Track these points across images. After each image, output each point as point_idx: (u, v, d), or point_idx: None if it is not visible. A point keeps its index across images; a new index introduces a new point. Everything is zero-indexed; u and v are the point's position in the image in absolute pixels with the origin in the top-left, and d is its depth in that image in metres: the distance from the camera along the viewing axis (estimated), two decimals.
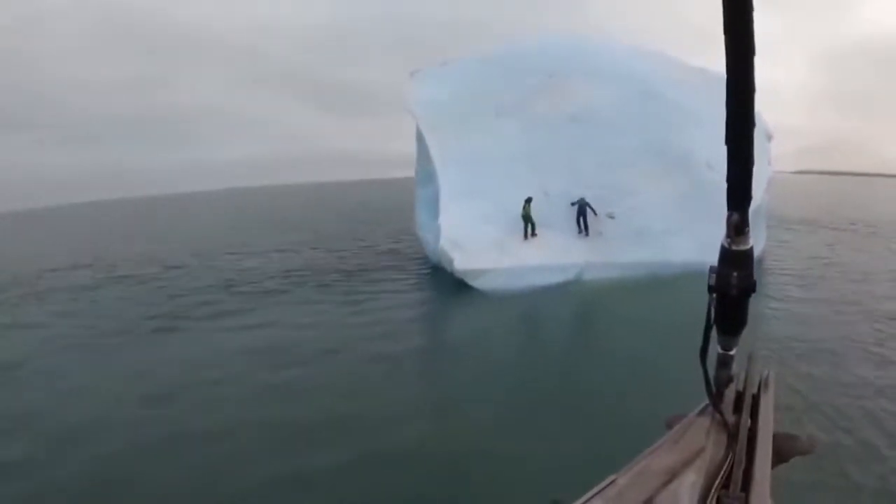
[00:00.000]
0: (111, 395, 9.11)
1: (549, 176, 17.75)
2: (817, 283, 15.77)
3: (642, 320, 12.48)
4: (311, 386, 9.27)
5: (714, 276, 1.23)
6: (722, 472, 1.24)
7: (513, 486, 5.87)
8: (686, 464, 1.22)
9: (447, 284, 16.16)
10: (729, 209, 1.13)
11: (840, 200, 53.13)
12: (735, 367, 1.52)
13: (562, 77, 19.82)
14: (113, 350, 11.77)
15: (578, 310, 14.75)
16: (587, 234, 17.17)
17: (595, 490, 1.13)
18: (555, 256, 16.29)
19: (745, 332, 1.36)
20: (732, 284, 1.21)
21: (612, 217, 17.23)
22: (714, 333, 1.35)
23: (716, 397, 1.46)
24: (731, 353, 1.45)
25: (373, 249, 24.11)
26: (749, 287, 1.21)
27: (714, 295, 1.25)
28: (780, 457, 1.38)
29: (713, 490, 1.18)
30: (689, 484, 1.15)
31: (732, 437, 1.37)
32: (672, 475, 1.18)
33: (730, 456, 1.30)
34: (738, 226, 1.14)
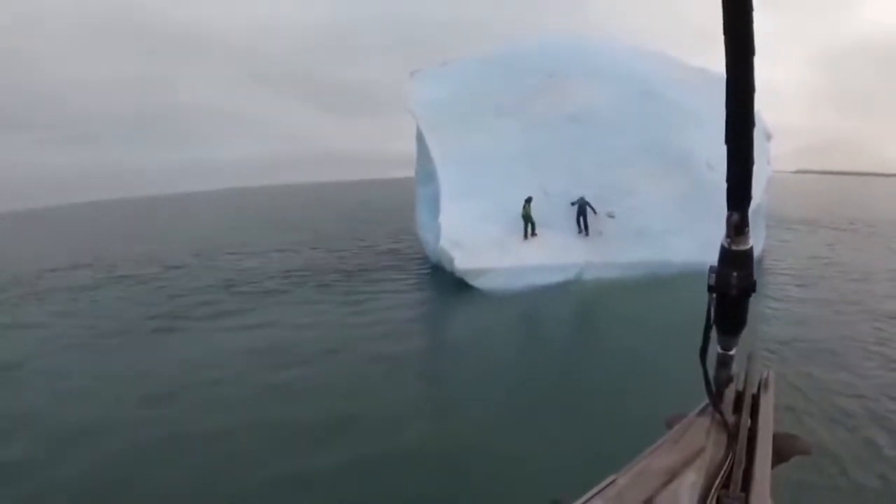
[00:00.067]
0: (111, 396, 9.11)
1: (549, 176, 17.76)
2: (817, 283, 15.77)
3: (642, 320, 12.50)
4: (311, 386, 9.27)
5: (714, 275, 1.22)
6: (722, 472, 1.24)
7: (513, 485, 5.87)
8: (686, 464, 1.22)
9: (447, 284, 16.17)
10: (729, 209, 1.13)
11: (839, 200, 53.14)
12: (735, 367, 1.52)
13: (562, 77, 19.83)
14: (113, 350, 11.78)
15: (578, 309, 14.76)
16: (587, 234, 17.18)
17: (595, 490, 1.13)
18: (555, 256, 16.30)
19: (745, 332, 1.36)
20: (732, 284, 1.20)
21: (611, 216, 17.25)
22: (714, 333, 1.35)
23: (716, 397, 1.46)
24: (731, 352, 1.45)
25: (373, 249, 24.12)
26: (749, 287, 1.21)
27: (714, 295, 1.25)
28: (780, 457, 1.38)
29: (713, 490, 1.18)
30: (690, 484, 1.15)
31: (732, 436, 1.37)
32: (672, 475, 1.18)
33: (730, 456, 1.30)
34: (737, 226, 1.13)
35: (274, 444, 7.17)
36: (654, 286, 15.02)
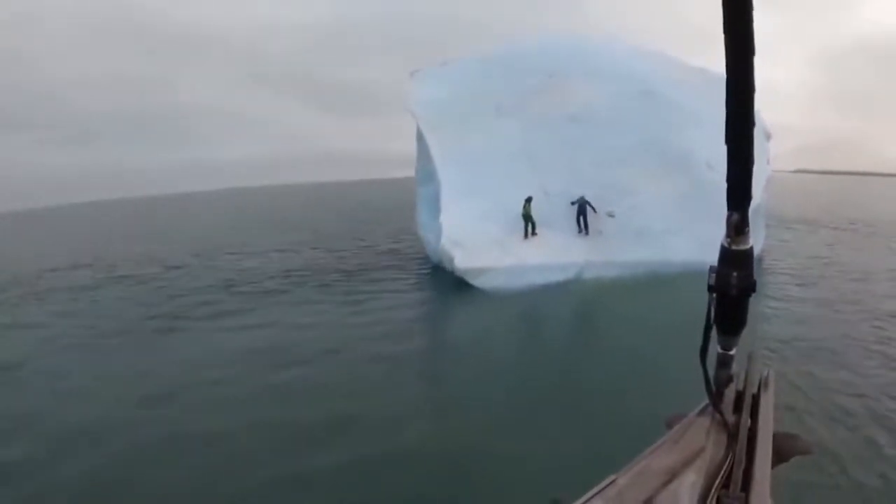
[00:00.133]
0: (111, 396, 9.11)
1: (549, 175, 17.78)
2: (817, 283, 15.78)
3: (642, 319, 12.50)
4: (311, 386, 9.27)
5: (714, 275, 1.22)
6: (722, 472, 1.24)
7: (513, 485, 5.87)
8: (686, 464, 1.22)
9: (448, 283, 16.18)
10: (729, 209, 1.13)
11: (839, 199, 53.16)
12: (735, 367, 1.52)
13: (562, 77, 19.84)
14: (113, 350, 11.78)
15: (578, 308, 14.77)
16: (587, 234, 17.20)
17: (595, 490, 1.13)
18: (555, 255, 16.33)
19: (745, 332, 1.36)
20: (732, 284, 1.20)
21: (611, 216, 17.26)
22: (714, 333, 1.34)
23: (716, 397, 1.46)
24: (731, 352, 1.45)
25: (373, 249, 24.12)
26: (749, 287, 1.21)
27: (714, 295, 1.25)
28: (780, 456, 1.38)
29: (713, 490, 1.18)
30: (690, 484, 1.15)
31: (732, 436, 1.37)
32: (672, 475, 1.18)
33: (730, 456, 1.30)
34: (738, 225, 1.13)
35: (274, 444, 7.17)
36: (654, 285, 15.03)
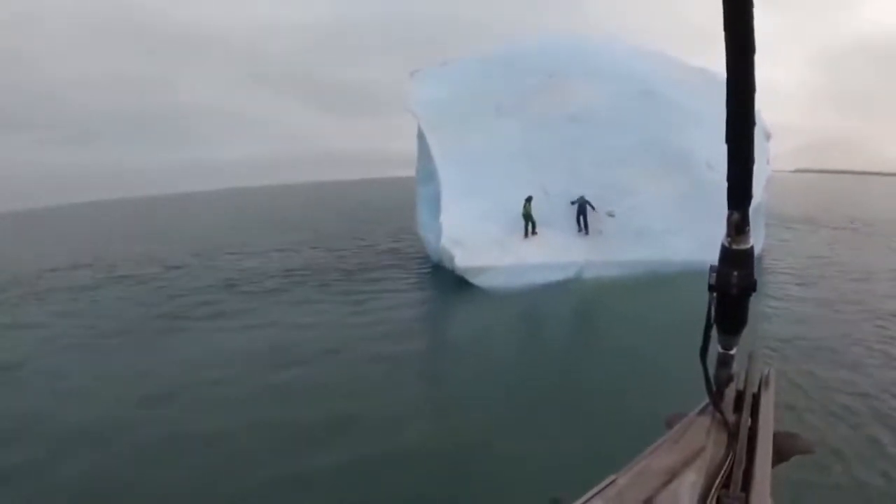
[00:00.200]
0: (111, 396, 9.10)
1: (549, 175, 17.78)
2: (817, 282, 15.77)
3: (642, 319, 12.50)
4: (311, 386, 9.27)
5: (714, 275, 1.22)
6: (722, 472, 1.24)
7: (513, 485, 5.87)
8: (686, 463, 1.22)
9: (448, 283, 16.20)
10: (729, 208, 1.13)
11: (838, 199, 53.12)
12: (735, 366, 1.52)
13: (562, 77, 19.82)
14: (113, 350, 11.77)
15: (578, 308, 14.77)
16: (587, 233, 17.20)
17: (595, 490, 1.13)
18: (555, 255, 16.34)
19: (746, 332, 1.35)
20: (733, 283, 1.20)
21: (611, 215, 17.27)
22: (714, 332, 1.34)
23: (716, 396, 1.45)
24: (732, 352, 1.45)
25: (373, 248, 24.13)
26: (749, 286, 1.21)
27: (714, 294, 1.25)
28: (780, 456, 1.38)
29: (713, 490, 1.18)
30: (690, 483, 1.15)
31: (733, 436, 1.37)
32: (672, 475, 1.18)
33: (730, 455, 1.30)
34: (738, 225, 1.13)
35: (274, 444, 7.16)
36: (653, 285, 15.03)
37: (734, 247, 1.17)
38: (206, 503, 6.12)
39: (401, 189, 49.71)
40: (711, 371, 1.45)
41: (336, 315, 13.67)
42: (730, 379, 1.53)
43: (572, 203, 17.26)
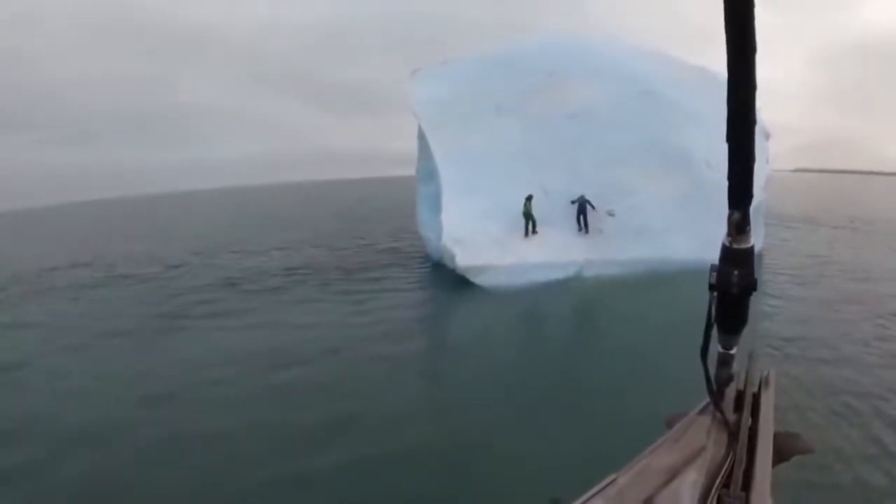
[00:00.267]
0: (111, 396, 9.10)
1: (549, 174, 17.79)
2: (817, 282, 15.76)
3: (642, 318, 12.51)
4: (311, 386, 9.26)
5: (715, 274, 1.22)
6: (723, 471, 1.24)
7: (513, 485, 5.87)
8: (687, 463, 1.22)
9: (448, 281, 16.22)
10: (730, 207, 1.12)
11: (838, 198, 53.13)
12: (736, 366, 1.51)
13: (562, 76, 19.82)
14: (113, 350, 11.77)
15: (578, 307, 14.78)
16: (587, 232, 17.22)
17: (596, 489, 1.13)
18: (555, 254, 16.37)
19: (746, 331, 1.35)
20: (733, 283, 1.20)
21: (611, 214, 17.29)
22: (715, 332, 1.34)
23: (716, 396, 1.45)
24: (732, 351, 1.45)
25: (373, 247, 24.13)
26: (750, 285, 1.21)
27: (715, 293, 1.25)
28: (780, 456, 1.38)
29: (714, 489, 1.18)
30: (690, 483, 1.15)
31: (733, 435, 1.37)
32: (673, 474, 1.18)
33: (730, 455, 1.30)
34: (739, 224, 1.13)
35: (274, 444, 7.16)
36: (653, 284, 15.05)
37: (735, 246, 1.17)
38: (206, 503, 6.12)
39: (401, 188, 49.70)
40: (712, 370, 1.45)
41: (336, 314, 13.67)
42: (730, 378, 1.52)
43: (572, 202, 17.27)
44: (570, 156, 18.00)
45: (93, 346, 12.02)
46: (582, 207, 17.16)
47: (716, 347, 1.43)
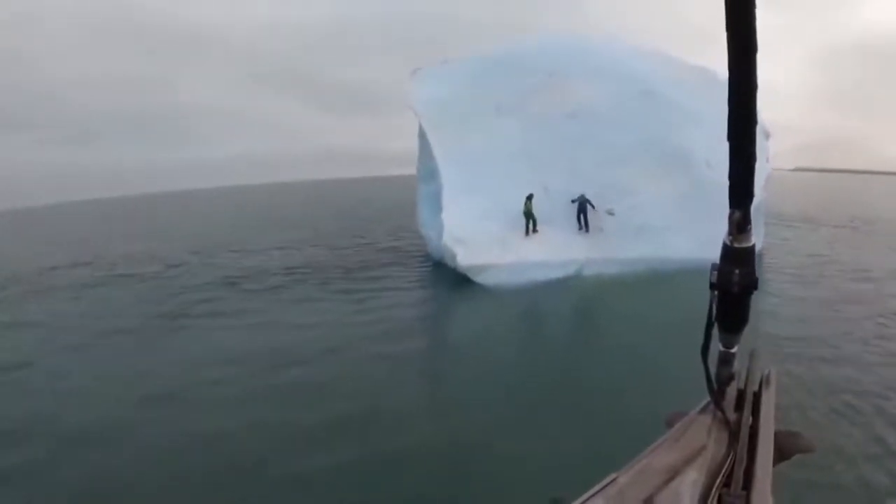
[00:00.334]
0: (112, 396, 9.10)
1: (550, 173, 17.82)
2: (818, 281, 15.77)
3: (642, 316, 12.52)
4: (312, 386, 9.25)
5: (715, 273, 1.22)
6: (723, 470, 1.24)
7: (513, 484, 5.87)
8: (687, 462, 1.22)
9: (449, 280, 16.25)
10: (731, 206, 1.12)
11: (838, 198, 53.13)
12: (736, 365, 1.51)
13: (562, 76, 19.83)
14: (113, 349, 11.77)
15: (579, 305, 14.80)
16: (587, 231, 17.24)
17: (596, 488, 1.13)
18: (556, 252, 16.40)
19: (747, 330, 1.35)
20: (734, 282, 1.20)
21: (611, 213, 17.32)
22: (716, 331, 1.34)
23: (717, 395, 1.45)
24: (733, 350, 1.45)
25: (373, 246, 24.14)
26: (751, 284, 1.21)
27: (715, 292, 1.25)
28: (781, 455, 1.38)
29: (714, 488, 1.17)
30: (691, 482, 1.15)
31: (734, 435, 1.37)
32: (673, 473, 1.18)
33: (731, 454, 1.30)
34: (740, 223, 1.13)
35: (274, 444, 7.16)
36: (653, 282, 15.09)
37: (736, 245, 1.17)
38: (206, 503, 6.12)
39: (400, 187, 49.68)
40: (712, 369, 1.45)
41: (337, 313, 13.67)
42: (731, 377, 1.52)
43: (573, 201, 17.30)
44: (571, 155, 18.02)
45: (93, 346, 12.02)
46: (582, 206, 17.19)
47: (716, 346, 1.43)
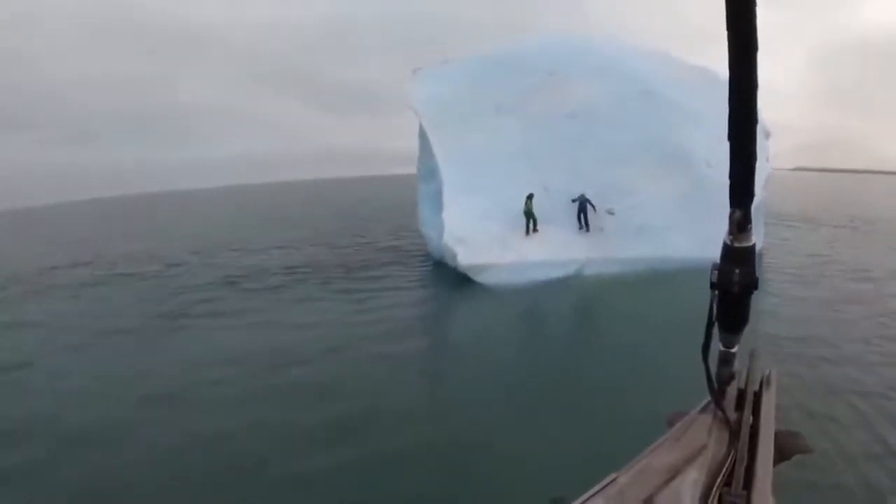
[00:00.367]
0: (112, 396, 9.08)
1: (550, 173, 17.82)
2: (818, 281, 15.76)
3: (642, 316, 12.52)
4: (312, 386, 9.24)
5: (716, 272, 1.22)
6: (724, 470, 1.24)
7: (513, 484, 5.87)
8: (688, 461, 1.22)
9: (449, 279, 16.25)
10: (731, 206, 1.12)
11: (838, 198, 53.11)
12: (737, 365, 1.51)
13: (562, 76, 19.84)
14: (113, 349, 11.76)
15: (579, 304, 14.80)
16: (588, 230, 17.24)
17: (596, 488, 1.13)
18: (556, 252, 16.40)
19: (747, 330, 1.35)
20: (734, 281, 1.20)
21: (611, 213, 17.32)
22: (716, 331, 1.34)
23: (718, 395, 1.45)
24: (733, 350, 1.45)
25: (373, 246, 24.13)
26: (751, 284, 1.20)
27: (716, 292, 1.25)
28: (781, 455, 1.38)
29: (715, 488, 1.17)
30: (691, 482, 1.15)
31: (734, 434, 1.37)
32: (674, 473, 1.18)
33: (732, 453, 1.30)
34: (740, 222, 1.13)
35: (274, 444, 7.16)
36: (653, 282, 15.09)
37: (736, 244, 1.17)
38: (206, 503, 6.12)
39: (401, 186, 49.67)
40: (713, 369, 1.45)
41: (337, 313, 13.66)
42: (731, 377, 1.52)
43: (573, 201, 17.30)
44: (571, 155, 18.02)
45: (93, 346, 12.01)
46: (582, 206, 17.19)
47: (717, 346, 1.43)
